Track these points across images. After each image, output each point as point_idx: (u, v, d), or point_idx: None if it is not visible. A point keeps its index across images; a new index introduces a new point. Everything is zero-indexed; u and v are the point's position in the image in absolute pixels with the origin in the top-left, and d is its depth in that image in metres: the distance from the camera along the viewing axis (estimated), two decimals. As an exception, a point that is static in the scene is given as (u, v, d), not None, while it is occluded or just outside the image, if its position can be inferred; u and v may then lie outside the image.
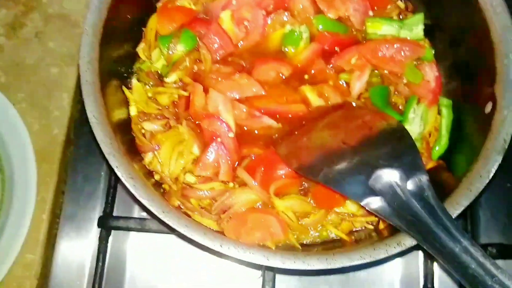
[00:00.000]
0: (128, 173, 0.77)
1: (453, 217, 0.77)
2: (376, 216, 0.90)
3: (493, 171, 0.80)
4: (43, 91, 1.19)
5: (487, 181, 0.80)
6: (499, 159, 0.81)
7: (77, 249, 1.07)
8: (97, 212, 1.09)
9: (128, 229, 1.01)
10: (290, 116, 1.03)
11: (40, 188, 1.11)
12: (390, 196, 0.80)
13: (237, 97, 1.01)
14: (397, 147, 0.88)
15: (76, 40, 1.23)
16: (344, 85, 1.05)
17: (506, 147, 0.82)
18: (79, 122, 1.18)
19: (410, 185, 0.81)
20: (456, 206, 0.79)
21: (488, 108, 0.87)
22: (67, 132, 1.17)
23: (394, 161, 0.84)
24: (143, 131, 0.98)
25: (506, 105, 0.83)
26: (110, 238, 1.05)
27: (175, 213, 0.77)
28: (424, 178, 0.81)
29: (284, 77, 1.05)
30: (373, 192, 0.81)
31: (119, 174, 0.77)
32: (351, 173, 0.85)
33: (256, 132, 1.02)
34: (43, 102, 1.18)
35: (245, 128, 1.02)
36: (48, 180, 1.13)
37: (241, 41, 1.07)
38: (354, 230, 0.96)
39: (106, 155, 0.77)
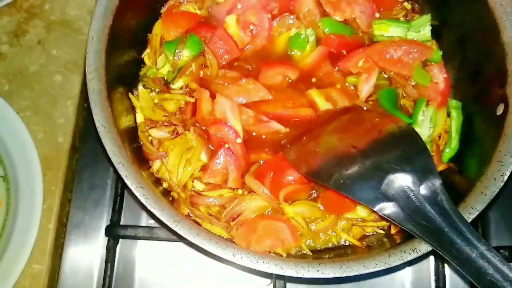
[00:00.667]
0: (137, 183, 0.76)
1: (468, 222, 0.76)
2: (388, 221, 0.89)
3: (507, 174, 0.79)
4: (47, 98, 1.18)
5: (502, 184, 0.79)
6: (513, 162, 0.80)
7: (84, 258, 1.06)
8: (104, 220, 1.08)
9: (136, 237, 1.00)
10: (297, 120, 1.02)
11: (46, 196, 1.10)
12: (403, 201, 0.79)
13: (244, 102, 1.00)
14: (408, 150, 0.87)
15: (79, 47, 1.22)
16: (352, 88, 1.04)
17: (520, 149, 0.80)
18: (84, 130, 1.17)
19: (423, 189, 0.79)
20: (470, 210, 0.78)
21: (500, 110, 0.86)
22: (72, 140, 1.16)
23: (406, 165, 0.83)
24: (150, 138, 0.97)
25: (518, 107, 0.82)
26: (118, 246, 1.04)
27: (186, 222, 0.75)
28: (437, 182, 0.79)
29: (291, 81, 1.05)
30: (385, 197, 0.80)
31: (128, 183, 0.76)
32: (363, 178, 0.83)
33: (264, 137, 1.01)
34: (47, 109, 1.17)
35: (253, 134, 1.01)
36: (54, 188, 1.12)
37: (247, 45, 1.05)
38: (365, 235, 0.95)
39: (115, 165, 0.76)
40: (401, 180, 0.81)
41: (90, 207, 1.09)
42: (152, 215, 0.79)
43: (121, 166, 0.76)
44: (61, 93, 1.19)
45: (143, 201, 0.75)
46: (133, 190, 0.75)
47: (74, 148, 1.16)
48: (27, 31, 1.24)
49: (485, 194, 0.78)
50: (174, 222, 0.74)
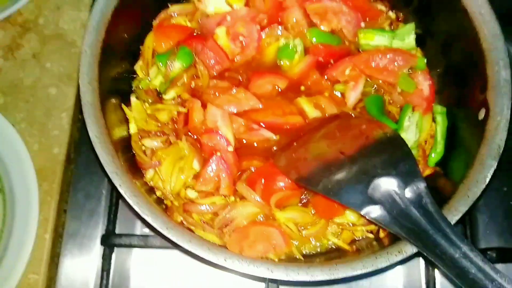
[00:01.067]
0: (131, 191, 0.78)
1: (452, 223, 0.78)
2: (376, 225, 0.91)
3: (489, 176, 0.82)
4: (42, 110, 1.21)
5: (484, 186, 0.81)
6: (494, 164, 0.83)
7: (80, 267, 1.08)
8: (100, 230, 1.09)
9: (131, 246, 1.02)
10: (287, 127, 1.04)
11: (42, 207, 1.12)
12: (389, 204, 0.82)
13: (235, 111, 1.03)
14: (394, 155, 0.89)
15: (73, 59, 1.25)
16: (340, 95, 1.07)
17: (501, 152, 0.83)
18: (79, 141, 1.19)
19: (408, 192, 0.82)
20: (454, 212, 0.80)
21: (482, 114, 0.88)
22: (67, 151, 1.18)
23: (392, 169, 0.85)
24: (143, 148, 0.99)
25: (499, 112, 0.85)
26: (113, 255, 1.06)
27: (178, 229, 0.78)
28: (422, 185, 0.82)
29: (280, 90, 1.07)
30: (372, 201, 0.82)
31: (122, 192, 0.78)
32: (350, 182, 0.86)
33: (255, 144, 1.04)
34: (42, 121, 1.19)
35: (244, 141, 1.03)
36: (49, 199, 1.13)
37: (237, 56, 1.08)
38: (355, 239, 0.97)
39: (109, 174, 0.78)
40: (387, 184, 0.83)
41: (86, 217, 1.11)
42: (146, 223, 0.81)
43: (115, 175, 0.78)
44: (56, 105, 1.21)
45: (136, 209, 0.77)
46: (127, 199, 0.78)
47: (69, 159, 1.18)
48: (22, 45, 1.26)
49: (468, 196, 0.81)
50: (167, 229, 0.76)
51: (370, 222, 0.94)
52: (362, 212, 0.81)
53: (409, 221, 0.78)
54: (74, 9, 1.29)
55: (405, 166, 0.86)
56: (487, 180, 0.81)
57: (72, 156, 1.19)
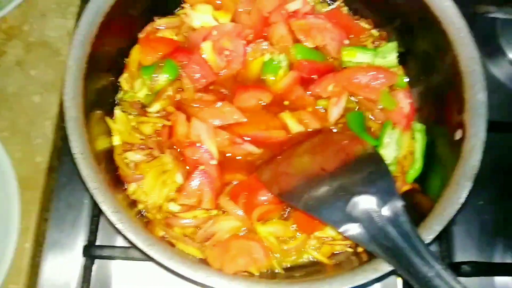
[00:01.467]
0: (113, 208, 0.79)
1: (427, 242, 0.81)
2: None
3: (464, 196, 0.84)
4: (26, 119, 1.20)
5: (458, 206, 0.84)
6: (469, 185, 0.85)
7: (61, 277, 1.07)
8: (81, 240, 1.09)
9: (112, 258, 1.02)
10: (271, 141, 1.06)
11: (23, 216, 1.11)
12: (367, 222, 0.84)
13: (219, 125, 1.04)
14: (373, 173, 0.92)
15: (58, 67, 1.24)
16: (323, 111, 1.09)
17: (476, 172, 0.86)
18: (62, 150, 1.18)
19: (385, 211, 0.84)
20: (429, 231, 0.83)
21: (458, 135, 0.91)
22: (50, 159, 1.17)
23: (370, 187, 0.87)
24: (126, 161, 1.00)
25: (474, 133, 0.87)
26: (94, 266, 1.06)
27: (159, 247, 0.78)
28: (399, 204, 0.84)
29: (264, 104, 1.09)
30: (350, 219, 0.84)
31: (104, 208, 0.79)
32: (330, 199, 0.88)
33: (238, 158, 1.05)
34: (25, 130, 1.19)
35: (228, 155, 1.04)
36: (31, 208, 1.13)
37: (222, 70, 1.09)
38: (334, 253, 0.99)
39: (91, 190, 0.79)
40: (366, 202, 0.85)
41: (67, 227, 1.11)
42: (127, 239, 0.81)
43: (97, 191, 0.79)
44: (39, 113, 1.20)
45: (118, 226, 0.78)
46: (108, 215, 0.78)
47: (51, 168, 1.18)
48: (6, 52, 1.25)
49: (443, 216, 0.83)
50: (148, 246, 0.77)
51: (349, 237, 0.95)
52: (340, 230, 0.83)
53: (386, 240, 0.80)
54: (60, 17, 1.29)
55: (383, 184, 0.88)
56: (462, 200, 0.84)
57: (55, 165, 1.19)
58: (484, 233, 1.17)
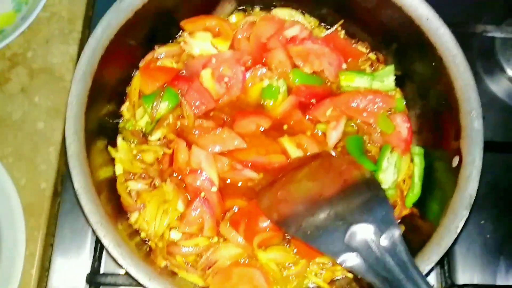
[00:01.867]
0: (115, 241, 0.80)
1: (424, 273, 0.81)
2: (352, 273, 0.94)
3: (461, 226, 0.85)
4: (30, 145, 1.22)
5: (455, 235, 0.84)
6: (466, 214, 0.86)
7: (66, 303, 1.09)
8: (85, 266, 1.10)
9: (116, 285, 1.04)
10: (271, 166, 1.07)
11: (29, 242, 1.13)
12: (365, 252, 0.84)
13: (220, 151, 1.05)
14: (370, 200, 0.92)
15: (61, 94, 1.26)
16: (321, 134, 1.10)
17: (473, 201, 0.87)
18: (66, 176, 1.20)
19: (383, 240, 0.84)
20: (426, 262, 0.83)
21: (455, 162, 0.92)
22: (54, 186, 1.19)
23: (368, 215, 0.88)
24: (128, 189, 1.01)
25: (470, 162, 0.88)
26: (99, 292, 1.08)
27: (160, 280, 0.80)
28: (397, 233, 0.85)
29: (263, 129, 1.10)
30: (349, 248, 0.85)
31: (105, 243, 0.80)
32: (328, 229, 0.88)
33: (239, 184, 1.06)
34: (30, 156, 1.21)
35: (228, 181, 1.05)
36: (36, 234, 1.15)
37: (222, 96, 1.11)
38: (334, 279, 1.00)
39: (93, 225, 0.80)
40: (364, 231, 0.86)
41: (72, 252, 1.12)
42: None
43: (99, 225, 0.80)
44: (44, 139, 1.23)
45: (119, 260, 0.79)
46: (110, 250, 0.80)
47: (56, 194, 1.20)
48: (10, 79, 1.28)
49: (440, 246, 0.84)
50: (149, 280, 0.79)
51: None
52: (339, 261, 0.83)
53: (384, 270, 0.81)
54: (63, 43, 1.31)
55: (381, 212, 0.89)
56: (458, 230, 0.84)
57: (59, 191, 1.21)
58: (486, 252, 1.17)
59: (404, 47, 1.08)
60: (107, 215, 0.84)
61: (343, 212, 0.90)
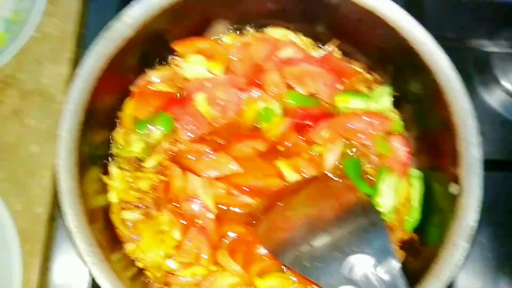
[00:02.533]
0: (110, 282, 0.79)
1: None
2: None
3: (462, 258, 0.83)
4: (24, 169, 1.20)
5: (457, 269, 0.83)
6: (465, 246, 0.84)
7: (64, 330, 1.09)
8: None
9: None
10: (268, 190, 1.05)
11: (25, 268, 1.12)
12: (363, 284, 0.84)
13: (216, 176, 1.04)
14: (367, 228, 0.91)
15: (54, 116, 1.24)
16: (318, 156, 1.09)
17: (473, 233, 0.85)
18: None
19: (381, 271, 0.84)
20: (426, 297, 0.82)
21: (454, 189, 0.90)
22: (50, 210, 1.18)
23: (365, 245, 0.87)
24: (123, 219, 1.00)
25: (469, 191, 0.87)
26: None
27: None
28: (395, 265, 0.84)
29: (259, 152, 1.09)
30: (348, 281, 0.84)
31: (101, 282, 0.79)
32: (325, 260, 0.88)
33: (235, 210, 1.05)
34: (24, 180, 1.19)
35: (225, 207, 1.04)
36: (32, 260, 1.14)
37: (217, 120, 1.09)
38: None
39: (88, 265, 0.79)
40: (362, 263, 0.85)
41: (69, 279, 1.12)
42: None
43: (93, 266, 0.79)
44: (38, 163, 1.21)
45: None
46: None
47: (52, 218, 1.19)
48: (2, 102, 1.26)
49: (440, 279, 0.83)
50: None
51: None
52: (337, 294, 0.83)
53: (383, 304, 0.81)
54: (55, 64, 1.29)
55: (379, 241, 0.88)
56: (460, 263, 0.83)
57: (55, 215, 1.20)
58: (488, 271, 1.16)
59: (401, 68, 1.06)
60: (101, 252, 0.83)
61: (340, 241, 0.90)
